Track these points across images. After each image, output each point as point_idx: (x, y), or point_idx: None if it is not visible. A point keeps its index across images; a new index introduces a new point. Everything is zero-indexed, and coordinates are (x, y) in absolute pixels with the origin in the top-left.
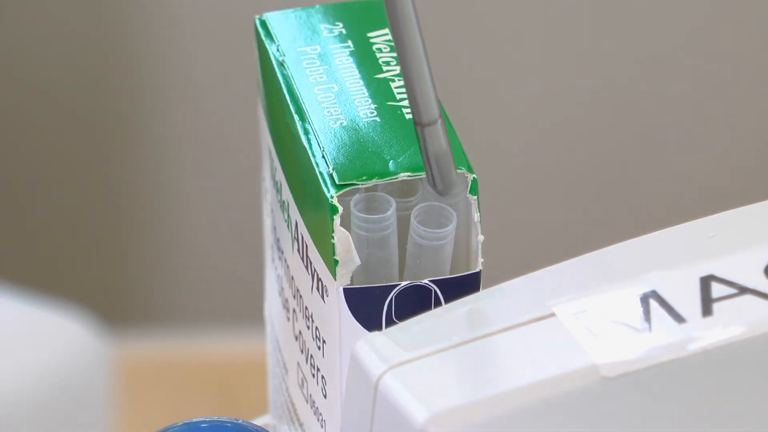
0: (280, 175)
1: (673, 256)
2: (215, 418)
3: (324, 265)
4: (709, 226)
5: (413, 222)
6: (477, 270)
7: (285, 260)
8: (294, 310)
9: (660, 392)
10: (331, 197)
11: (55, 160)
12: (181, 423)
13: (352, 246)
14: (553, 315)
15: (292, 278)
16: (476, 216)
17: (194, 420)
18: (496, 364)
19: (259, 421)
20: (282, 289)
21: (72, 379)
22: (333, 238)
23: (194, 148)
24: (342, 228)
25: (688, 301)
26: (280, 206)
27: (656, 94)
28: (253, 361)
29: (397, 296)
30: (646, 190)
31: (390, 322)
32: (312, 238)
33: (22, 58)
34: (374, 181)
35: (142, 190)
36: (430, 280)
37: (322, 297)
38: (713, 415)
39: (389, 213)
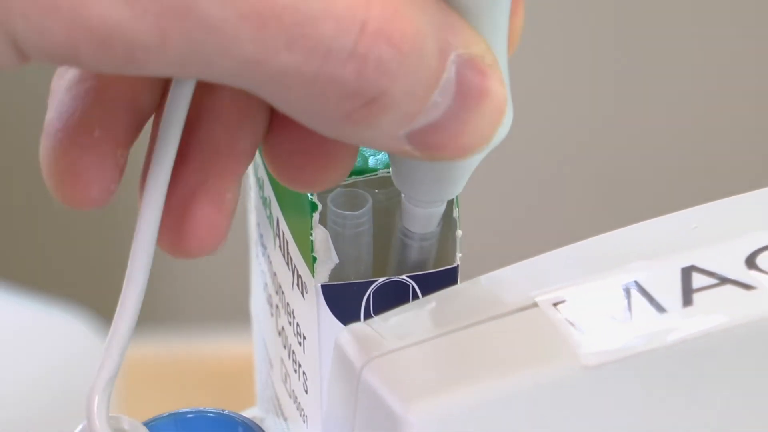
0: (262, 172)
1: (655, 246)
2: (200, 408)
3: (303, 262)
4: (691, 218)
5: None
6: (455, 265)
7: (268, 256)
8: (277, 306)
9: (640, 381)
10: (311, 195)
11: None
12: (167, 413)
13: (331, 243)
14: (534, 305)
15: (275, 274)
16: (455, 211)
17: (180, 411)
18: (478, 354)
19: (247, 413)
20: (266, 284)
21: (72, 379)
22: (311, 235)
23: None
24: (321, 225)
25: (669, 292)
26: (263, 203)
27: (632, 86)
28: (253, 361)
29: (375, 292)
30: (628, 183)
31: (368, 318)
32: (292, 234)
33: None
34: (353, 179)
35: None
36: (408, 276)
37: (302, 293)
38: (692, 404)
39: (365, 210)
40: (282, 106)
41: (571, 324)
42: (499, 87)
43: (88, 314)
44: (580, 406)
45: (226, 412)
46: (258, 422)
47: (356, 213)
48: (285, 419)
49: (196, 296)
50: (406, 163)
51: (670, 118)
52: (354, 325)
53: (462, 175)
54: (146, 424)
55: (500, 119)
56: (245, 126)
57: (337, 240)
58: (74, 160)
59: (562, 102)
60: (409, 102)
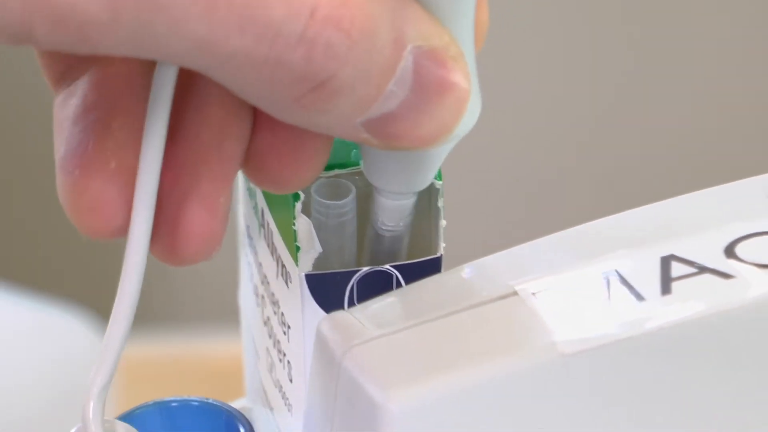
0: None
1: (635, 236)
2: (185, 397)
3: (287, 252)
4: (673, 207)
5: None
6: (438, 255)
7: (254, 246)
8: (263, 296)
9: (617, 369)
10: None
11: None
12: (152, 402)
13: (314, 233)
14: (514, 294)
15: (260, 264)
16: (440, 201)
17: (164, 399)
18: (457, 342)
19: (236, 404)
20: (252, 275)
21: (72, 379)
22: (294, 224)
23: None
24: (303, 215)
25: (648, 280)
26: (248, 193)
27: (616, 78)
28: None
29: (359, 281)
30: (613, 174)
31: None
32: (276, 224)
33: (23, 57)
34: (336, 171)
35: None
36: (391, 266)
37: (286, 283)
38: (670, 392)
39: (348, 199)
40: (235, 89)
41: (550, 312)
42: (462, 79)
43: (88, 314)
44: (559, 393)
45: (210, 400)
46: (246, 412)
47: (340, 202)
48: (271, 409)
49: (199, 297)
50: (375, 154)
51: (656, 111)
52: (335, 314)
53: (430, 167)
54: (131, 412)
55: (461, 112)
56: (232, 129)
57: (320, 229)
58: (96, 194)
59: (547, 91)
60: (361, 89)
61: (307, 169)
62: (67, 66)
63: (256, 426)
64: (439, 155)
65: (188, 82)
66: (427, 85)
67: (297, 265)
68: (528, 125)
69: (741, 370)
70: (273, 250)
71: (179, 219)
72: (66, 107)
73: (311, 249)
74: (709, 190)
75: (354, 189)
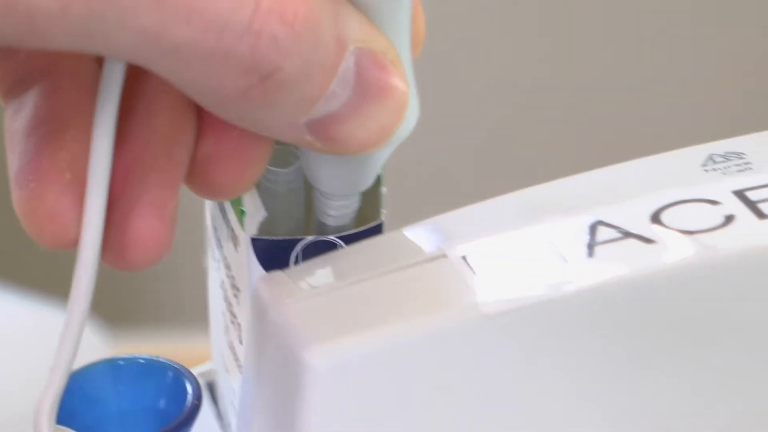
0: None
1: (568, 202)
2: (132, 354)
3: (234, 216)
4: (608, 175)
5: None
6: (380, 222)
7: (209, 209)
8: (218, 259)
9: (538, 330)
10: None
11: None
12: (100, 360)
13: (258, 198)
14: (443, 256)
15: (215, 228)
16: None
17: (113, 357)
18: (383, 301)
19: (202, 368)
20: (210, 239)
21: None
22: None
23: None
24: None
25: (574, 244)
26: None
27: (563, 42)
28: None
29: (304, 249)
30: (557, 141)
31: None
32: None
33: None
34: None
35: None
36: (336, 236)
37: (235, 246)
38: (590, 353)
39: (295, 167)
40: (180, 82)
41: (476, 274)
42: (401, 83)
43: (89, 315)
44: (480, 353)
45: (156, 358)
46: (211, 375)
47: (287, 170)
48: (227, 371)
49: (199, 297)
50: (315, 157)
51: (598, 83)
52: (271, 273)
53: (369, 170)
54: (80, 370)
55: (401, 115)
56: (180, 137)
57: (269, 196)
58: (52, 206)
59: (488, 56)
60: (305, 85)
61: (247, 177)
62: (16, 79)
63: (218, 388)
64: (378, 159)
65: (135, 90)
66: (369, 87)
67: (243, 228)
68: (470, 95)
69: (657, 333)
70: (224, 213)
71: (129, 226)
72: (17, 120)
73: (256, 213)
74: (646, 159)
75: (300, 157)
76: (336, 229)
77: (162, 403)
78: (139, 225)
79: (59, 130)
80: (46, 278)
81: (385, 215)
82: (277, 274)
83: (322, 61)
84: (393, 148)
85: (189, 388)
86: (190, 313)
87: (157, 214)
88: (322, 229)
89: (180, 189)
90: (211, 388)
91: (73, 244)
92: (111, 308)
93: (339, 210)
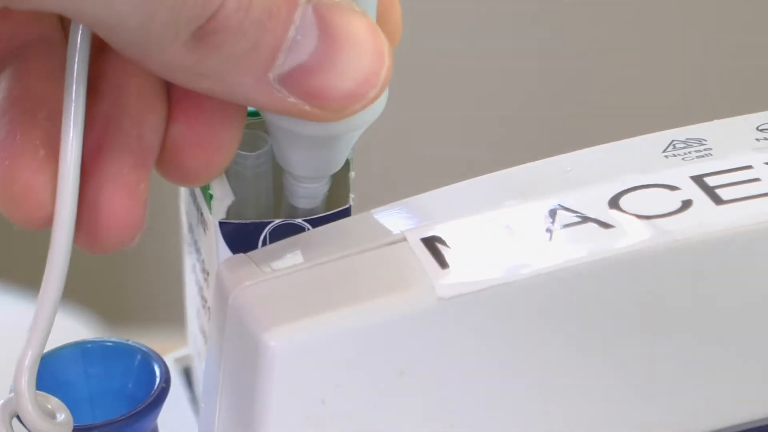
0: None
1: (529, 187)
2: (100, 338)
3: (203, 199)
4: (568, 161)
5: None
6: (347, 206)
7: (183, 195)
8: (190, 244)
9: (495, 314)
10: None
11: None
12: (70, 343)
13: (226, 181)
14: (403, 239)
15: (187, 213)
16: (350, 153)
17: (82, 340)
18: (343, 284)
19: (180, 353)
20: (183, 224)
21: None
22: None
23: None
24: None
25: (533, 229)
26: None
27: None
28: None
29: (272, 232)
30: (529, 126)
31: None
32: None
33: None
34: (250, 120)
35: None
36: (303, 219)
37: (204, 230)
38: (546, 337)
39: (263, 150)
40: (122, 36)
41: (434, 257)
42: (372, 29)
43: (88, 314)
44: (437, 336)
45: (124, 341)
46: (188, 360)
47: (255, 154)
48: (199, 353)
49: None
50: (285, 139)
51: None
52: (234, 256)
53: (339, 153)
54: (48, 353)
55: (382, 61)
56: (150, 119)
57: (238, 180)
58: (27, 183)
59: (463, 44)
60: (256, 30)
61: (217, 162)
62: None
63: (194, 372)
64: (349, 141)
65: (103, 72)
66: (336, 33)
67: (211, 213)
68: (439, 74)
69: (614, 316)
70: (194, 198)
71: (100, 205)
72: None
73: (224, 197)
74: (608, 145)
75: (269, 141)
76: (306, 212)
77: (130, 386)
78: (110, 204)
79: (32, 109)
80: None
81: (353, 200)
82: (240, 257)
83: (269, 5)
84: (362, 130)
85: (157, 370)
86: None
87: (128, 194)
88: (292, 212)
89: (151, 171)
90: (188, 373)
91: (48, 223)
92: (103, 304)
93: (309, 193)
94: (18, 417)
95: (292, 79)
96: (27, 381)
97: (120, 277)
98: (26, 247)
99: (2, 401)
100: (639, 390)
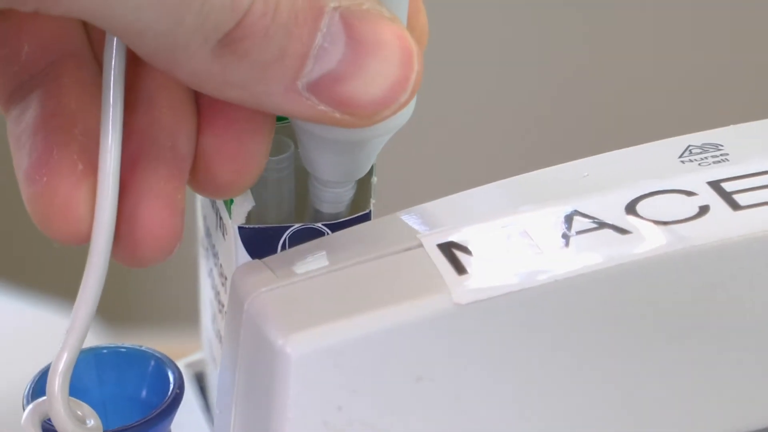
0: None
1: (545, 193)
2: (115, 344)
3: (223, 204)
4: (584, 166)
5: None
6: (368, 211)
7: (199, 199)
8: (207, 248)
9: (512, 320)
10: None
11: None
12: (85, 349)
13: None
14: (420, 245)
15: (204, 217)
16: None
17: (96, 346)
18: (359, 290)
19: (192, 358)
20: (200, 228)
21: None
22: None
23: None
24: None
25: (550, 235)
26: None
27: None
28: None
29: (291, 237)
30: (546, 130)
31: None
32: None
33: None
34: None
35: None
36: (323, 223)
37: (223, 235)
38: (563, 343)
39: (286, 155)
40: (151, 43)
41: (451, 263)
42: (400, 34)
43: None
44: (454, 342)
45: (138, 347)
46: (201, 366)
47: (278, 158)
48: (214, 359)
49: (189, 294)
50: (313, 144)
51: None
52: (250, 262)
53: (366, 156)
54: None
55: (411, 66)
56: (183, 130)
57: (259, 184)
58: (65, 198)
59: (482, 50)
60: (282, 38)
61: (249, 171)
62: (17, 85)
63: (207, 378)
64: (376, 146)
65: (135, 87)
66: (363, 40)
67: (231, 217)
68: (456, 81)
69: (630, 323)
70: (213, 202)
71: (139, 218)
72: (22, 121)
73: (244, 202)
74: (624, 150)
75: (292, 145)
76: (331, 217)
77: (144, 392)
78: (149, 217)
79: (67, 125)
80: (46, 278)
81: (373, 205)
82: (255, 263)
83: (295, 13)
84: (390, 136)
85: (171, 377)
86: (189, 311)
87: (165, 205)
88: (317, 216)
89: (186, 182)
90: (200, 379)
91: (86, 238)
92: (109, 306)
93: (335, 198)
94: (49, 421)
95: (321, 87)
96: (60, 385)
97: (120, 277)
98: (27, 247)
99: (33, 403)
100: (656, 396)
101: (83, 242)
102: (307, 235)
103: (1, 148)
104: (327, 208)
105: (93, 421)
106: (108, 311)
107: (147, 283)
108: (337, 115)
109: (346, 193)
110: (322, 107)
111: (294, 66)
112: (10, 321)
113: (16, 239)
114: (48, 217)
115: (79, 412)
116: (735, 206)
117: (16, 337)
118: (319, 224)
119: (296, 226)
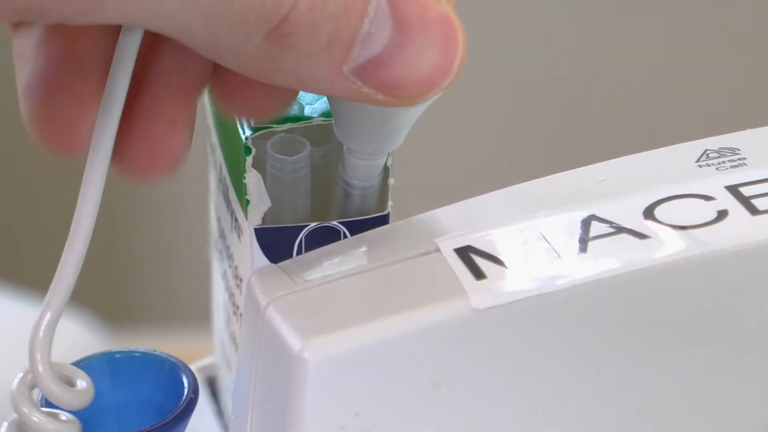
0: (211, 121)
1: (562, 197)
2: (128, 348)
3: (239, 205)
4: (601, 171)
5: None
6: (386, 212)
7: (213, 201)
8: (221, 250)
9: (529, 326)
10: (246, 138)
11: (55, 159)
12: (98, 353)
13: (264, 187)
14: (437, 250)
15: (219, 219)
16: (389, 160)
17: (110, 350)
18: (377, 295)
19: (204, 362)
20: (212, 229)
21: None
22: (245, 178)
23: (194, 146)
24: (254, 169)
25: (567, 239)
26: (210, 149)
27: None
28: None
29: (307, 236)
30: (560, 134)
31: None
32: (231, 179)
33: None
34: (288, 125)
35: (142, 189)
36: (339, 222)
37: (238, 236)
38: (582, 349)
39: (302, 155)
40: (191, 42)
41: (469, 268)
42: (446, 17)
43: (88, 314)
44: (471, 348)
45: (152, 351)
46: (213, 370)
47: (294, 158)
48: (228, 362)
49: (199, 297)
50: (347, 114)
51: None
52: (266, 266)
53: (402, 127)
54: (76, 363)
55: (456, 48)
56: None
57: (275, 185)
58: (60, 108)
59: (499, 54)
60: (331, 25)
61: (276, 104)
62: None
63: (219, 382)
64: (413, 115)
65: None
66: (410, 24)
67: (246, 218)
68: (474, 83)
69: (649, 328)
70: (228, 203)
71: (138, 132)
72: (26, 39)
73: (261, 203)
74: (641, 154)
75: (308, 145)
76: (360, 202)
77: (158, 397)
78: (147, 131)
79: (70, 45)
80: (46, 278)
81: (391, 206)
82: (271, 267)
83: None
84: (426, 106)
85: (185, 381)
86: (190, 311)
87: (166, 121)
88: (345, 203)
89: (196, 101)
90: (211, 383)
91: (79, 149)
92: (109, 306)
93: (367, 172)
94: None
95: (367, 71)
96: (41, 350)
97: (120, 277)
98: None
99: (20, 375)
100: (676, 402)
101: (78, 154)
102: (324, 233)
103: (1, 149)
104: (359, 178)
105: (85, 382)
106: (115, 314)
107: (155, 285)
108: (381, 96)
109: (378, 166)
110: (366, 89)
111: (341, 52)
112: (10, 321)
113: (16, 239)
114: (43, 130)
115: (65, 373)
116: (754, 211)
117: (16, 337)
118: (336, 222)
119: (312, 225)
